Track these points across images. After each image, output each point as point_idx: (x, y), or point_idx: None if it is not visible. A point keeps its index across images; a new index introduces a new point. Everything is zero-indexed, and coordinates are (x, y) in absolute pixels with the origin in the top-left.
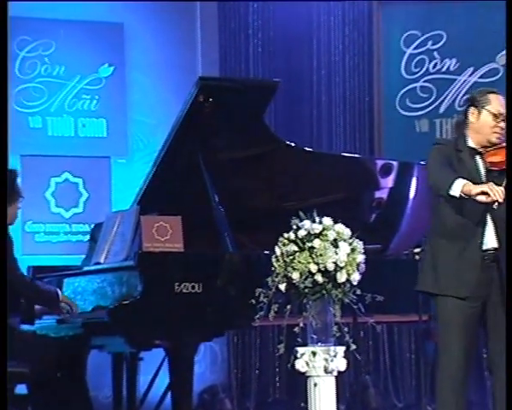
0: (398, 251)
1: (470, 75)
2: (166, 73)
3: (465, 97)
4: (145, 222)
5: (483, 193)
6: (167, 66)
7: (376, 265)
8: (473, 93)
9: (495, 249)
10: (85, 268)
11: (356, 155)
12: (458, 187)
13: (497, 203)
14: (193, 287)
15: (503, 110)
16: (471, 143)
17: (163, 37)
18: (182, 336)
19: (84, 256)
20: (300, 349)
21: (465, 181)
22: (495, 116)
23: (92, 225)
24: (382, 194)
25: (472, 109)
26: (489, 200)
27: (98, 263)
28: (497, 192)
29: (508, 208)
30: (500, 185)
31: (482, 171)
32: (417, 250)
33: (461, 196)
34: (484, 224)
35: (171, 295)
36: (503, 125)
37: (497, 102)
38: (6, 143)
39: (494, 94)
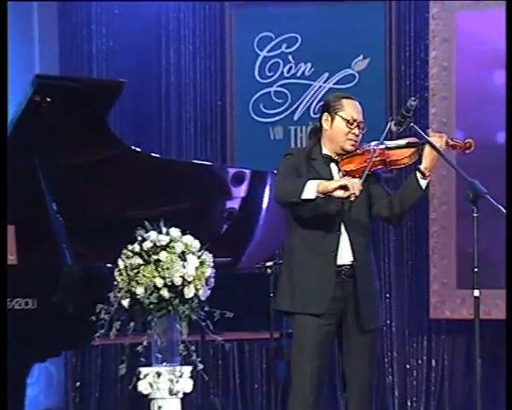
0: (250, 265)
1: (325, 81)
2: None
3: (320, 103)
4: None
5: (341, 188)
6: None
7: (226, 279)
8: (327, 98)
9: (351, 264)
10: None
11: (207, 163)
12: (312, 188)
13: (353, 197)
14: (26, 303)
15: (357, 116)
16: (326, 150)
17: None
18: (12, 357)
19: None
20: (144, 370)
21: (317, 181)
22: (348, 123)
23: None
24: (234, 204)
25: (325, 115)
26: (347, 194)
27: None
28: (355, 185)
29: (508, 209)
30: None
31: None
32: (270, 264)
33: (317, 196)
34: (338, 238)
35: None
36: (357, 131)
37: (350, 108)
38: (5, 143)
39: (348, 99)
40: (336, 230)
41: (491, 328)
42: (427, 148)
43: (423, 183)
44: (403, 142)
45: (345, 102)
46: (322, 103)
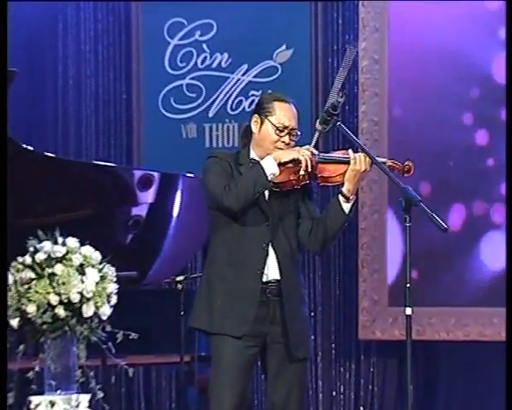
0: (159, 279)
1: (244, 73)
2: None
3: (239, 98)
4: None
5: (293, 160)
6: None
7: (131, 296)
8: (261, 97)
9: (277, 281)
10: None
11: (110, 164)
12: (272, 163)
13: (303, 171)
14: None
15: (288, 123)
16: (254, 155)
17: None
18: None
19: None
20: (35, 399)
21: (268, 156)
22: (278, 129)
23: None
24: (140, 211)
25: (255, 117)
26: (298, 168)
27: None
28: (308, 157)
29: (507, 211)
30: (283, 210)
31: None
32: (181, 278)
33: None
34: (266, 253)
35: None
36: (287, 140)
37: (282, 113)
38: (5, 143)
39: (282, 102)
40: (264, 245)
41: (426, 350)
42: (351, 170)
43: (346, 207)
44: (336, 155)
45: (277, 105)
46: (255, 101)
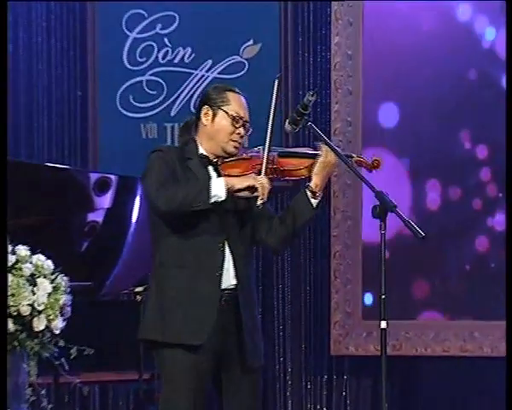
0: (116, 290)
1: (209, 69)
2: None
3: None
4: None
5: (248, 188)
6: None
7: (86, 308)
8: (207, 89)
9: (234, 288)
10: None
11: (63, 166)
12: (221, 187)
13: (261, 201)
14: None
15: (243, 113)
16: (203, 150)
17: None
18: None
19: None
20: None
21: (221, 178)
22: (234, 120)
23: None
24: (97, 216)
25: (205, 109)
26: (254, 195)
27: None
28: (264, 187)
29: (507, 212)
30: (237, 207)
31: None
32: (140, 289)
33: (227, 197)
34: (222, 256)
35: None
36: (242, 131)
37: (237, 103)
38: (6, 143)
39: (235, 93)
40: (220, 245)
41: (402, 365)
42: (319, 162)
43: (314, 202)
44: (300, 150)
45: (231, 95)
46: (200, 95)
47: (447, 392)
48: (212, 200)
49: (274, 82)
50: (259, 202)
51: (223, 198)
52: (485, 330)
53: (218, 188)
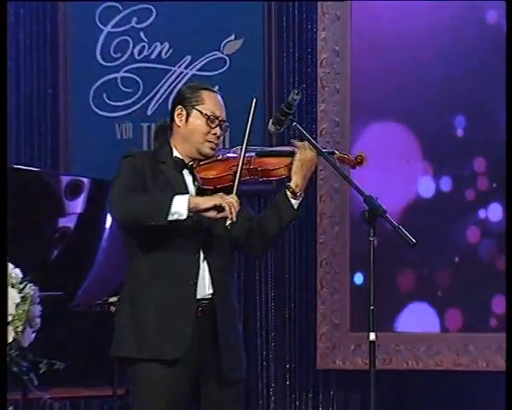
0: (89, 301)
1: (188, 66)
2: None
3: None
4: None
5: (215, 207)
6: None
7: (57, 319)
8: (181, 89)
9: (211, 297)
10: None
11: (33, 169)
12: (183, 205)
13: (229, 221)
14: None
15: (219, 113)
16: (177, 153)
17: None
18: None
19: None
20: None
21: (186, 196)
22: (209, 119)
23: None
24: (68, 222)
25: (179, 109)
26: (220, 216)
27: None
28: (232, 205)
29: (507, 213)
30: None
31: (192, 189)
32: (114, 299)
33: (188, 216)
34: (197, 264)
35: None
36: (218, 132)
37: (212, 102)
38: (6, 144)
39: (209, 91)
40: (195, 253)
41: (392, 380)
42: (296, 159)
43: (295, 203)
44: (280, 148)
45: (205, 94)
46: (174, 95)
47: (440, 408)
48: (172, 217)
49: (252, 101)
50: (228, 222)
51: (184, 217)
52: (480, 342)
53: (180, 206)
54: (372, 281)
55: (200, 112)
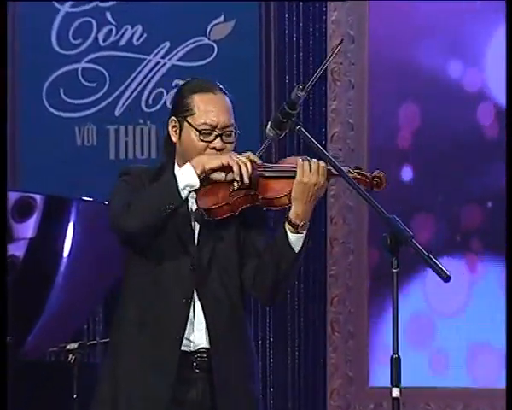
0: (42, 348)
1: (166, 55)
2: None
3: (157, 91)
4: None
5: (223, 168)
6: None
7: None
8: (179, 88)
9: (206, 351)
10: None
11: None
12: (190, 174)
13: (236, 184)
14: None
15: (216, 120)
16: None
17: None
18: None
19: None
20: None
21: (187, 163)
22: (201, 134)
23: None
24: (16, 249)
25: (172, 121)
26: (230, 178)
27: None
28: (243, 166)
29: (507, 214)
30: (219, 247)
31: (193, 209)
32: (73, 346)
33: (201, 183)
34: (188, 307)
35: None
36: (218, 144)
37: (204, 110)
38: (5, 145)
39: (205, 94)
40: (185, 298)
41: None
42: (296, 182)
43: (295, 240)
44: (288, 167)
45: (197, 99)
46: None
47: None
48: (185, 191)
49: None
50: (235, 185)
51: (197, 185)
52: None
53: (187, 176)
54: (396, 322)
55: (190, 124)
